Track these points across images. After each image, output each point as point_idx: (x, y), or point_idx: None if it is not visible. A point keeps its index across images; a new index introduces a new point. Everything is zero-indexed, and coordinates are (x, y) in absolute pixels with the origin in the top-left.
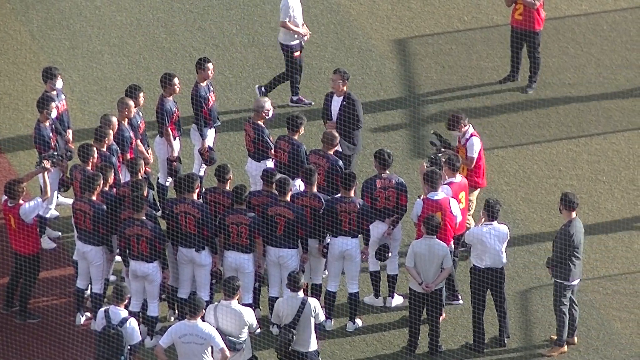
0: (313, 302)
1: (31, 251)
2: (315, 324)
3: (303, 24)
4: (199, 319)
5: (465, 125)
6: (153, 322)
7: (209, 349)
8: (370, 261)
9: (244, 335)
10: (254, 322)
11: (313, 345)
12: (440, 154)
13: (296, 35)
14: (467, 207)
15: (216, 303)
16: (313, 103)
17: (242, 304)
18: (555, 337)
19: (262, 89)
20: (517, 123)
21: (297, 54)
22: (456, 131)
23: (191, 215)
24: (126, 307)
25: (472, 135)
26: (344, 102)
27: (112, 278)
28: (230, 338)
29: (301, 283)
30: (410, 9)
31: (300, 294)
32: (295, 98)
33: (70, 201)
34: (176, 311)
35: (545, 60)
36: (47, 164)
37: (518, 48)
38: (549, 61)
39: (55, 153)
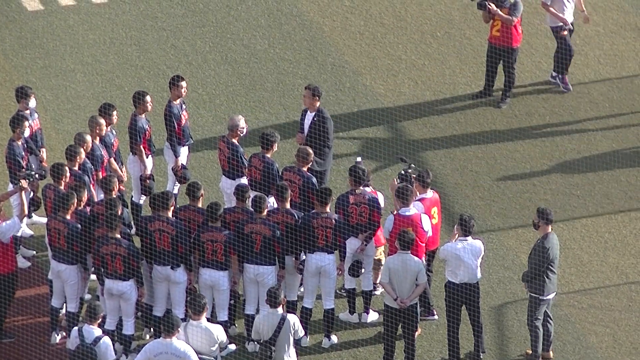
0: (292, 318)
1: (7, 270)
2: (294, 339)
3: (583, 10)
4: (174, 337)
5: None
6: (129, 340)
7: None
8: (346, 278)
9: (215, 352)
10: (224, 338)
11: None
12: (410, 170)
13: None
14: (440, 222)
15: (185, 322)
16: (571, 89)
17: (218, 321)
18: (531, 352)
19: (557, 75)
20: (490, 138)
21: (564, 32)
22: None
23: (166, 233)
24: (100, 325)
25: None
26: (315, 119)
27: (87, 297)
28: (202, 356)
29: (280, 299)
30: (383, 24)
31: (280, 310)
32: (555, 75)
33: (44, 220)
34: (151, 329)
35: (518, 75)
36: (24, 183)
37: (494, 64)
38: (522, 75)
39: (32, 172)
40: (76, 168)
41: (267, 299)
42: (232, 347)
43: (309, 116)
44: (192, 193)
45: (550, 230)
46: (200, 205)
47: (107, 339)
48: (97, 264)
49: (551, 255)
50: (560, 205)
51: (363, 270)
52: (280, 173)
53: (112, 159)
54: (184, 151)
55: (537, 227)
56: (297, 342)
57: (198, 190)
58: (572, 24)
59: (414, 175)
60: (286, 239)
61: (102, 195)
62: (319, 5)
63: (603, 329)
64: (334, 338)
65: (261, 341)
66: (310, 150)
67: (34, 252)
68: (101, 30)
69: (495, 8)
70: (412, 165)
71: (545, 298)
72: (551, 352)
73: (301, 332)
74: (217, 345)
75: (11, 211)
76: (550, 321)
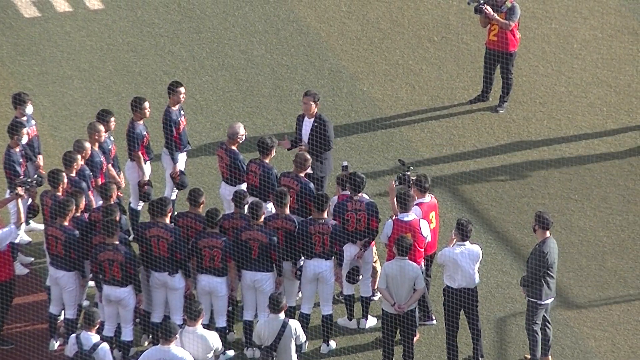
0: (294, 323)
1: (5, 277)
2: (296, 345)
3: None
4: (172, 344)
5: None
6: (127, 346)
7: None
8: (344, 285)
9: (211, 359)
10: (219, 346)
11: None
12: (409, 172)
13: None
14: (438, 227)
15: (181, 329)
16: None
17: (216, 328)
18: (529, 357)
19: None
20: (488, 142)
21: None
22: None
23: (163, 239)
24: (98, 332)
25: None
26: (315, 124)
27: (86, 303)
28: None
29: (282, 304)
30: (380, 29)
31: (281, 315)
32: None
33: (42, 227)
34: (150, 335)
35: (515, 79)
36: (20, 190)
37: (491, 68)
38: (519, 80)
39: (29, 179)
40: (73, 174)
41: (268, 304)
42: (231, 353)
43: (307, 122)
44: (193, 199)
45: (548, 234)
46: (200, 211)
47: (105, 346)
48: (95, 271)
49: (549, 260)
50: (559, 209)
51: (361, 276)
52: (278, 178)
53: (110, 165)
54: (181, 157)
55: (535, 232)
56: (298, 348)
57: (199, 197)
58: None
59: (413, 178)
60: (285, 245)
61: (100, 202)
62: (316, 10)
63: (602, 333)
64: (333, 344)
65: (262, 347)
66: (308, 156)
67: (32, 259)
68: (98, 37)
69: (492, 12)
70: (411, 167)
71: (543, 302)
72: (550, 357)
73: (303, 338)
74: (212, 353)
75: (9, 218)
76: (549, 325)
